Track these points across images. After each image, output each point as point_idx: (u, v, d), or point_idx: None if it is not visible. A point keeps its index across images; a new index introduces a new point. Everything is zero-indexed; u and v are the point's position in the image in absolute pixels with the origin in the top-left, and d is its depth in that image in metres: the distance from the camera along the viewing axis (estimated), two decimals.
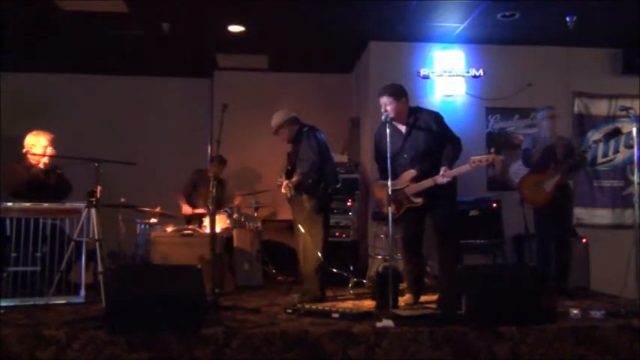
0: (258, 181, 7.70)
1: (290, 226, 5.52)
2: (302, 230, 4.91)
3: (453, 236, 4.68)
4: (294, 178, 4.79)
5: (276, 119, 5.04)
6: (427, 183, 4.49)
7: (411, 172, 4.57)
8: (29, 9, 5.89)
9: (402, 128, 4.70)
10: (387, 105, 4.56)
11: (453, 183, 4.57)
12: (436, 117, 4.73)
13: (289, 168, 4.98)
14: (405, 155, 4.64)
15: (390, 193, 4.07)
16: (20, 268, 4.55)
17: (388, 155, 4.14)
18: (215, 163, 4.90)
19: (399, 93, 4.62)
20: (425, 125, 4.63)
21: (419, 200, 4.54)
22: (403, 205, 4.64)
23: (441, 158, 4.53)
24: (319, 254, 4.82)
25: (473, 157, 4.36)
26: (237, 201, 6.57)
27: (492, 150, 4.39)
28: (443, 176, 4.40)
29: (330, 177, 4.97)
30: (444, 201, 4.58)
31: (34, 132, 5.13)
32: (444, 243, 4.65)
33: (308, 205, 4.85)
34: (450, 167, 4.47)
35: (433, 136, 4.59)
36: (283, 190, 4.84)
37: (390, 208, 4.07)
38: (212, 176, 4.56)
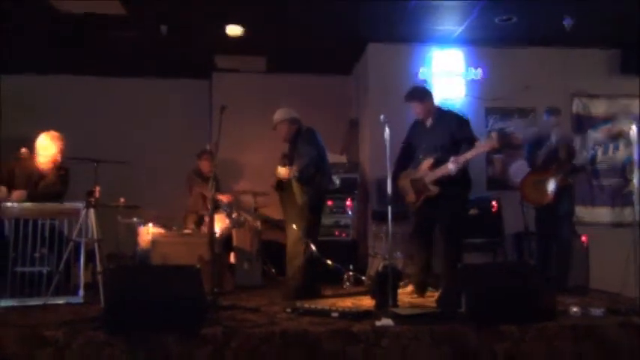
0: (257, 181, 7.68)
1: None
2: (294, 227, 4.91)
3: (456, 235, 4.91)
4: (295, 168, 4.79)
5: (279, 115, 5.12)
6: (441, 171, 4.80)
7: (429, 161, 4.89)
8: (26, 9, 5.89)
9: (428, 124, 5.05)
10: (415, 108, 5.04)
11: (466, 184, 4.92)
12: (459, 118, 5.05)
13: (287, 163, 4.98)
14: (424, 146, 5.00)
15: (389, 192, 4.16)
16: (19, 269, 4.54)
17: (387, 154, 4.20)
18: (210, 159, 4.87)
19: (422, 96, 5.04)
20: (446, 123, 4.97)
21: (435, 189, 4.83)
22: (422, 193, 4.92)
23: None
24: (311, 245, 4.86)
25: (477, 143, 4.71)
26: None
27: (492, 134, 4.80)
28: (452, 162, 4.68)
29: (326, 177, 5.06)
30: (453, 200, 4.81)
31: (47, 133, 5.12)
32: (447, 241, 4.87)
33: (301, 199, 4.87)
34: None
35: (451, 134, 4.89)
36: (286, 175, 4.80)
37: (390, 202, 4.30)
38: (211, 175, 4.57)
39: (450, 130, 4.91)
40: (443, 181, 4.80)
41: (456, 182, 4.79)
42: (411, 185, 5.01)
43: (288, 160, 5.03)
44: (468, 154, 4.69)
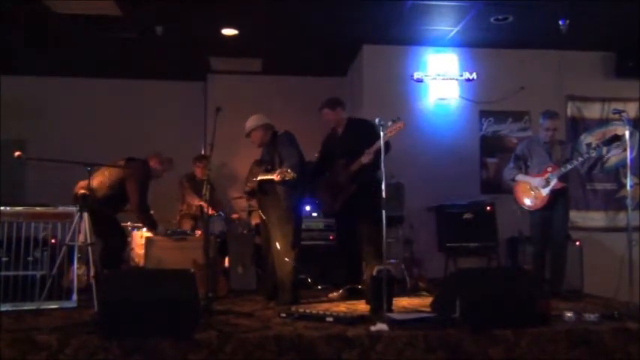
0: None
1: None
2: (276, 231, 4.88)
3: (379, 240, 4.91)
4: (288, 169, 4.72)
5: (253, 122, 5.09)
6: (356, 165, 4.96)
7: (340, 162, 5.11)
8: (22, 11, 5.86)
9: (339, 132, 5.32)
10: (326, 115, 5.26)
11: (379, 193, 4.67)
12: (368, 125, 5.10)
13: (269, 167, 4.94)
14: (337, 152, 5.21)
15: (384, 195, 4.18)
16: (12, 273, 4.52)
17: (382, 156, 4.28)
18: (205, 163, 4.87)
19: (333, 104, 5.25)
20: (356, 130, 5.22)
21: (352, 188, 5.03)
22: (339, 195, 5.15)
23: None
24: (289, 259, 4.84)
25: (385, 130, 4.63)
26: None
27: (398, 118, 4.73)
28: (365, 154, 4.86)
29: (306, 180, 5.14)
30: (370, 208, 4.75)
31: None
32: (370, 245, 4.93)
33: (286, 203, 4.85)
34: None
35: (361, 140, 4.98)
36: (282, 177, 4.64)
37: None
38: (206, 179, 4.55)
39: (360, 136, 5.05)
40: (358, 183, 4.99)
41: (371, 184, 4.78)
42: (328, 190, 5.27)
43: (268, 164, 4.97)
44: (378, 144, 4.64)
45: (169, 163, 5.61)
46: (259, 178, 4.92)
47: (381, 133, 4.28)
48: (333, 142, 5.36)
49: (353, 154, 5.00)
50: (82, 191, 4.84)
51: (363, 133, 5.04)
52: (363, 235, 5.03)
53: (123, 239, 5.45)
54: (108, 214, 5.10)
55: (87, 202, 4.61)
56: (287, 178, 4.59)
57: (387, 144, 4.63)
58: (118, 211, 5.28)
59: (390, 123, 4.62)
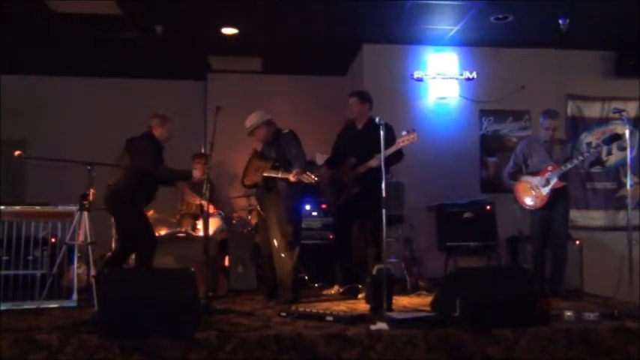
0: None
1: None
2: (276, 231, 4.89)
3: (379, 236, 4.93)
4: (303, 170, 4.72)
5: (256, 119, 5.11)
6: (362, 168, 5.04)
7: (351, 160, 5.12)
8: (23, 10, 5.86)
9: (359, 127, 5.33)
10: (353, 105, 5.30)
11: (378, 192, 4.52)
12: (388, 128, 4.98)
13: (277, 164, 4.94)
14: (353, 146, 5.23)
15: (384, 194, 4.17)
16: (12, 272, 4.53)
17: (382, 156, 4.30)
18: (204, 161, 4.85)
19: (364, 97, 5.32)
20: (376, 130, 4.91)
21: (355, 188, 5.08)
22: (342, 193, 5.19)
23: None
24: (288, 258, 4.86)
25: (398, 139, 4.81)
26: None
27: (412, 129, 4.79)
28: (375, 159, 4.87)
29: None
30: (373, 205, 4.68)
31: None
32: (374, 242, 4.98)
33: (286, 202, 4.87)
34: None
35: (378, 140, 4.75)
36: (299, 179, 4.69)
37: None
38: (206, 177, 4.56)
39: (378, 136, 4.84)
40: (363, 184, 5.01)
41: (373, 185, 4.69)
42: (332, 186, 5.32)
43: (275, 162, 4.96)
44: (390, 150, 4.76)
45: (170, 121, 5.41)
46: (266, 174, 4.93)
47: (381, 132, 4.29)
48: (349, 135, 5.39)
49: (366, 154, 4.99)
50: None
51: (381, 136, 4.95)
52: (368, 235, 5.06)
53: (151, 245, 4.88)
54: (138, 211, 4.84)
55: (87, 200, 4.60)
56: (306, 182, 4.65)
57: (399, 152, 4.78)
58: (149, 198, 4.98)
59: (404, 133, 4.73)
